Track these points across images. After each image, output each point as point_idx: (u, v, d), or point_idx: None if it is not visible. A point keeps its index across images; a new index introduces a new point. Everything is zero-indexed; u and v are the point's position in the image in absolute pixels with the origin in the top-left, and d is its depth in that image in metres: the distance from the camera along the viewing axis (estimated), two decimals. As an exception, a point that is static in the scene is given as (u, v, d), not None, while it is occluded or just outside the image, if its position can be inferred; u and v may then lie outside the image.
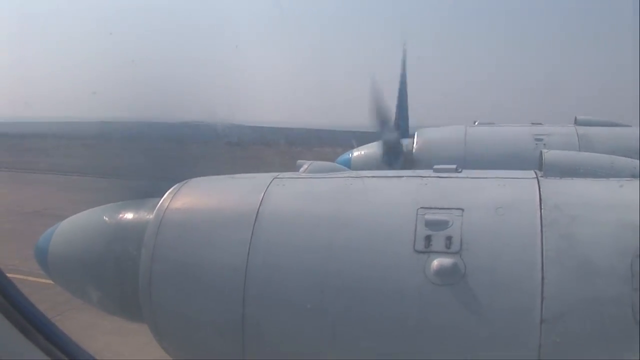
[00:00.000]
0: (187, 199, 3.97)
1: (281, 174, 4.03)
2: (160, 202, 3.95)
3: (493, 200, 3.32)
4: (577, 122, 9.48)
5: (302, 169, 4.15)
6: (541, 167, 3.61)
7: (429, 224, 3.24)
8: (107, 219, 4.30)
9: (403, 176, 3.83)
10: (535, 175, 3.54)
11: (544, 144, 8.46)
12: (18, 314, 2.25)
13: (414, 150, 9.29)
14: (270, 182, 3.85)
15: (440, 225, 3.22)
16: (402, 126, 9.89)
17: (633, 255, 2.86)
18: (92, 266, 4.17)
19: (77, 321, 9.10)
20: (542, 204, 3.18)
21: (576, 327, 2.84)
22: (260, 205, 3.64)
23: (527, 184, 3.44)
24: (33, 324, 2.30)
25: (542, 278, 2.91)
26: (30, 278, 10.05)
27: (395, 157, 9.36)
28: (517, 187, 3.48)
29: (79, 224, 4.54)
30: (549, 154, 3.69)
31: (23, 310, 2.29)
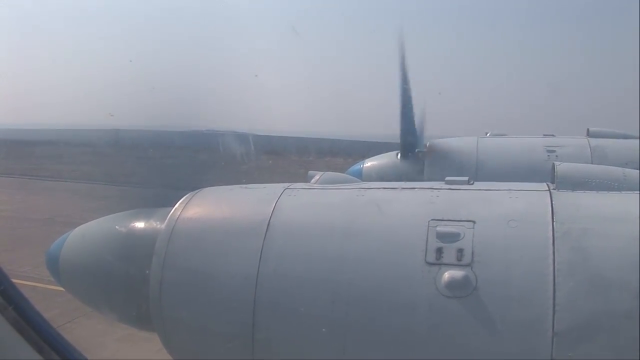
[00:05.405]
0: (199, 208, 3.99)
1: (292, 185, 4.04)
2: (172, 211, 3.98)
3: (505, 212, 3.30)
4: (589, 134, 9.41)
5: (313, 180, 4.17)
6: (553, 179, 3.60)
7: (441, 236, 3.23)
8: (118, 227, 4.34)
9: (414, 188, 3.82)
10: (547, 188, 3.52)
11: (556, 156, 8.41)
12: (17, 315, 2.25)
13: (425, 162, 9.25)
14: (282, 193, 3.86)
15: (452, 237, 3.21)
16: (410, 133, 9.67)
17: None
18: (103, 275, 4.20)
19: (88, 328, 9.16)
20: (554, 217, 3.16)
21: (588, 340, 2.82)
22: (271, 215, 3.65)
23: (539, 196, 3.43)
24: (30, 325, 2.30)
25: (554, 291, 2.90)
26: (41, 285, 10.14)
27: (412, 167, 9.31)
28: (529, 200, 3.46)
29: (90, 232, 4.57)
30: (562, 167, 3.67)
31: (22, 313, 2.29)
